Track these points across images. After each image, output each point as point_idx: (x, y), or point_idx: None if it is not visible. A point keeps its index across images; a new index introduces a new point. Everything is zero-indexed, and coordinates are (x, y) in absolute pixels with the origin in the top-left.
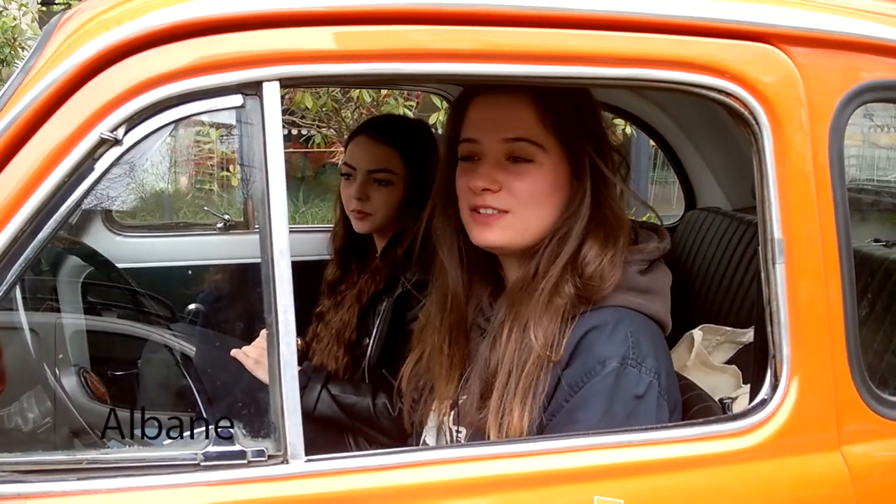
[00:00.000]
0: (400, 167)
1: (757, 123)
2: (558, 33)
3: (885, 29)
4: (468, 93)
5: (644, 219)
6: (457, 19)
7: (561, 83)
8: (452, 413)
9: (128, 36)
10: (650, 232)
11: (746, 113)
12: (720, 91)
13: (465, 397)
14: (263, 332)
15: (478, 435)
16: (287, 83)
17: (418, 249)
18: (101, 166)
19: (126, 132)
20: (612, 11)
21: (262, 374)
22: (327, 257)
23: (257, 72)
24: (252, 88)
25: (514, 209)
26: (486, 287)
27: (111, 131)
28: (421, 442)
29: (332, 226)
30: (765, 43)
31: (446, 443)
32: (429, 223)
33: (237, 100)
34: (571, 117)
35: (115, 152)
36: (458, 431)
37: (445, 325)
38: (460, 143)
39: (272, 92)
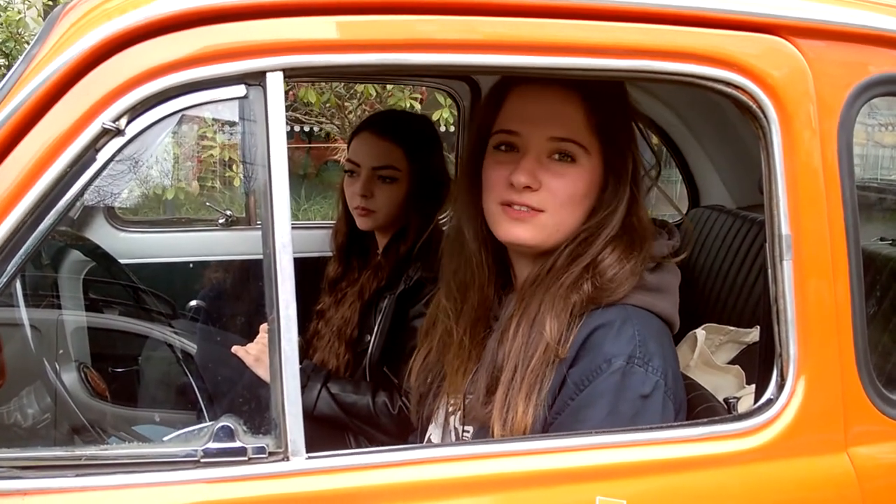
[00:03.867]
0: (404, 164)
1: (765, 117)
2: (564, 24)
3: (894, 21)
4: (507, 82)
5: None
6: (462, 9)
7: (567, 74)
8: (459, 413)
9: (131, 25)
10: (660, 229)
11: (755, 107)
12: (729, 84)
13: (471, 395)
14: (264, 328)
15: (482, 431)
16: (291, 73)
17: (427, 245)
18: (103, 157)
19: (128, 122)
20: (618, 2)
21: (262, 372)
22: (329, 254)
23: (261, 62)
24: (255, 79)
25: (549, 209)
26: (495, 284)
27: (113, 121)
28: (426, 439)
29: (333, 222)
30: (774, 35)
31: (451, 441)
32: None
33: (240, 90)
34: (619, 121)
35: (117, 143)
36: (465, 431)
37: (466, 319)
38: (496, 133)
39: (276, 82)
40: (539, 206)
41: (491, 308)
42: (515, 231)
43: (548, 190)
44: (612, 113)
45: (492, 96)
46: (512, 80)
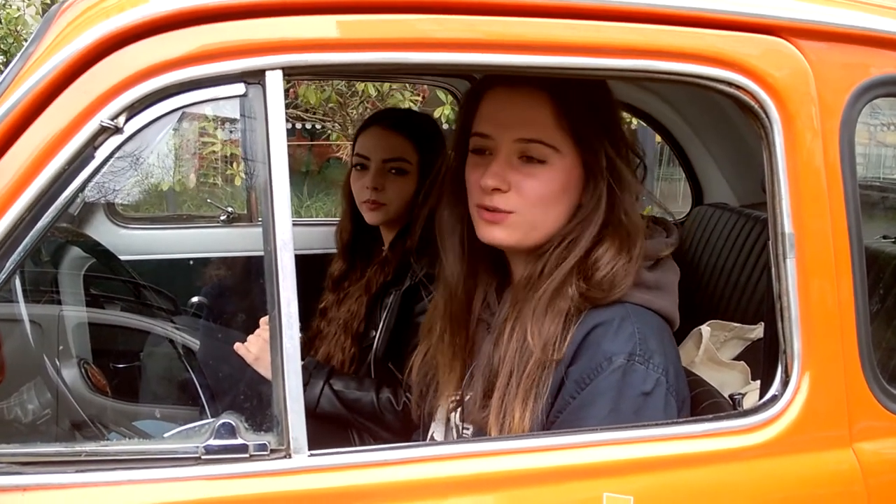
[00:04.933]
0: (414, 157)
1: (767, 118)
2: (565, 24)
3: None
4: (483, 84)
5: (647, 211)
6: (463, 8)
7: (567, 74)
8: (459, 410)
9: (129, 23)
10: (658, 227)
11: (757, 107)
12: (731, 84)
13: (470, 394)
14: (263, 322)
15: (481, 434)
16: (290, 72)
17: (426, 241)
18: (101, 154)
19: (127, 120)
20: (621, 2)
21: (263, 370)
22: (332, 251)
23: (260, 60)
24: (255, 77)
25: (519, 210)
26: (492, 281)
27: (112, 119)
28: (429, 436)
29: (336, 219)
30: (776, 36)
31: (453, 438)
32: (433, 214)
33: (240, 88)
34: (589, 118)
35: (115, 140)
36: (465, 428)
37: (447, 316)
38: (472, 136)
39: (275, 81)
40: (507, 208)
41: (468, 308)
42: (492, 233)
43: (517, 191)
44: (583, 110)
45: (468, 99)
46: (487, 84)
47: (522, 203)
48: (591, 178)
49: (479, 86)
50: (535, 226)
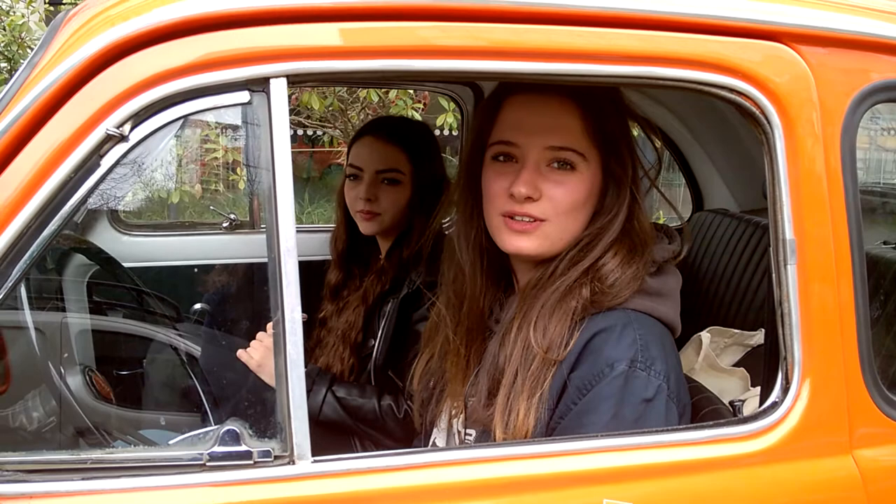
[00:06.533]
0: (407, 167)
1: (769, 123)
2: (567, 30)
3: None
4: (503, 91)
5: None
6: (465, 16)
7: (570, 80)
8: (462, 416)
9: (133, 32)
10: (661, 234)
11: (758, 112)
12: (732, 90)
13: (473, 398)
14: (269, 328)
15: (485, 434)
16: (294, 80)
17: (427, 250)
18: (106, 162)
19: (132, 128)
20: (622, 9)
21: (266, 377)
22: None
23: (264, 68)
24: (259, 85)
25: (551, 218)
26: (496, 288)
27: (117, 127)
28: (430, 443)
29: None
30: (777, 42)
31: (455, 445)
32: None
33: (244, 96)
34: (615, 126)
35: (121, 148)
36: (467, 434)
37: (462, 327)
38: (495, 144)
39: (279, 88)
40: (541, 215)
41: (485, 318)
42: (519, 243)
43: (549, 199)
44: (608, 119)
45: (487, 107)
46: (507, 90)
47: (553, 211)
48: (613, 186)
49: (498, 93)
50: (562, 235)
